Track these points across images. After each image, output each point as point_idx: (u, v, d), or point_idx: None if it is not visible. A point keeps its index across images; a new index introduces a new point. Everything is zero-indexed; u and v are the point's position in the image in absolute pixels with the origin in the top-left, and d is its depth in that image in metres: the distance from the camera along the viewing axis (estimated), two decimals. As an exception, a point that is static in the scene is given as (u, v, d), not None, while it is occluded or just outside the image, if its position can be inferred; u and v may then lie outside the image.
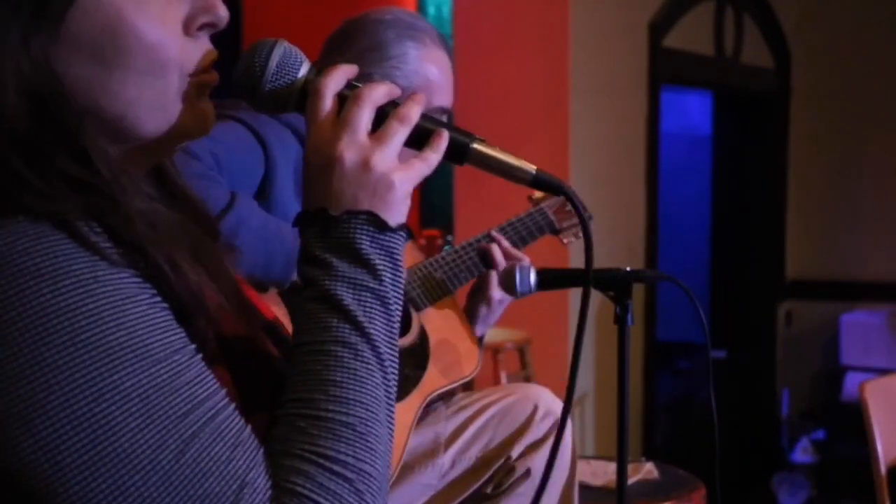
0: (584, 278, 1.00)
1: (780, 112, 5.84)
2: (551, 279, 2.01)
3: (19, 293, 0.75)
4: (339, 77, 0.93)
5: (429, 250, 2.05)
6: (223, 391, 0.82)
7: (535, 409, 2.03)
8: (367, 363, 0.86)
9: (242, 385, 0.86)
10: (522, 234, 2.17)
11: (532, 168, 0.98)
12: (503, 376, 3.62)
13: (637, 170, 4.75)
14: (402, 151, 0.93)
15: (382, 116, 0.93)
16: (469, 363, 2.09)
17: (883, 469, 2.53)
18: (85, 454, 0.75)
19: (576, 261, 4.06)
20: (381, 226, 0.89)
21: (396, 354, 0.90)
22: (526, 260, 2.07)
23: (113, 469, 0.76)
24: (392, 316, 0.89)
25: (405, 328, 1.99)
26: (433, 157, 0.94)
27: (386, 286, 0.89)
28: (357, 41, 1.98)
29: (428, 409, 2.05)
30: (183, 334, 0.82)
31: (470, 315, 2.13)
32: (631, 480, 2.50)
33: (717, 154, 6.05)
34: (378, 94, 0.93)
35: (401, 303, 0.91)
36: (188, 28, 0.89)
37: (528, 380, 3.76)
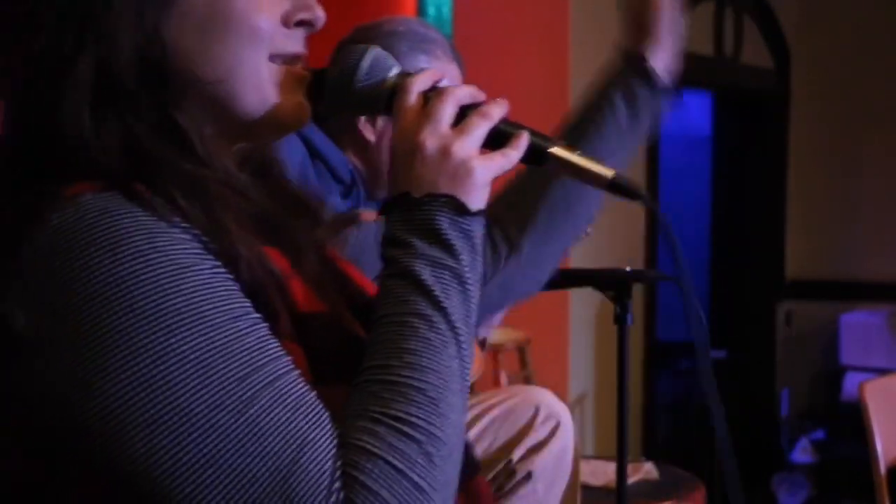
0: (677, 281, 1.04)
1: (780, 112, 5.84)
2: (551, 279, 2.00)
3: (83, 265, 0.81)
4: (426, 78, 0.99)
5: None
6: (287, 359, 0.85)
7: (537, 411, 2.03)
8: (442, 335, 0.89)
9: (317, 358, 0.90)
10: None
11: (610, 173, 1.00)
12: (503, 376, 3.62)
13: (637, 170, 4.75)
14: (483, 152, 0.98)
15: (465, 115, 0.97)
16: (473, 364, 2.08)
17: (882, 469, 2.53)
18: (146, 413, 0.79)
19: (576, 261, 4.06)
20: (460, 209, 0.93)
21: (472, 331, 0.93)
22: None
23: (173, 427, 0.79)
24: (469, 294, 0.92)
25: None
26: (514, 154, 0.98)
27: (464, 266, 0.92)
28: None
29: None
30: (246, 303, 0.85)
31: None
32: (631, 480, 2.50)
33: (716, 155, 6.05)
34: (462, 93, 0.98)
35: (478, 283, 0.94)
36: (287, 21, 0.97)
37: (527, 380, 3.76)
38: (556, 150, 1.00)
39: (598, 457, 3.18)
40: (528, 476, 2.00)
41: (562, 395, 2.18)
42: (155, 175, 0.87)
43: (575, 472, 2.07)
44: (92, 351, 0.80)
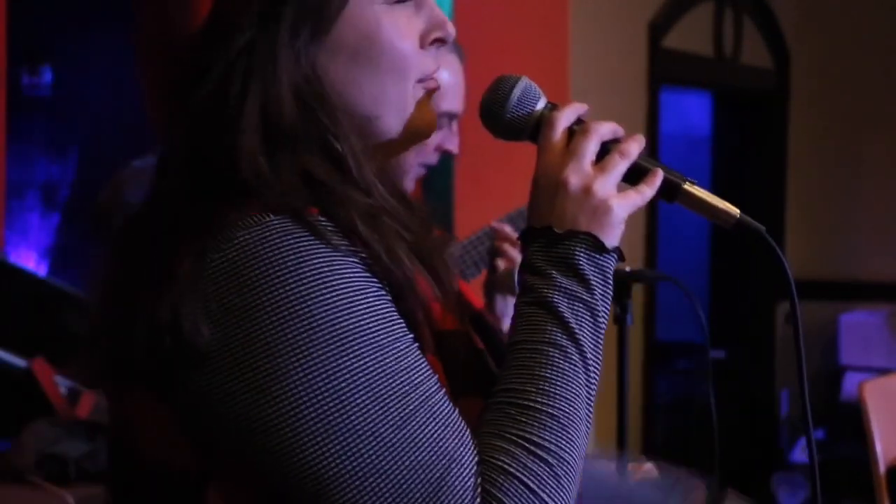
0: (794, 325, 1.10)
1: (779, 112, 5.84)
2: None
3: (268, 282, 0.88)
4: (570, 113, 1.04)
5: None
6: (436, 377, 0.93)
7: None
8: (574, 364, 0.97)
9: (452, 373, 0.98)
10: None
11: (736, 212, 1.06)
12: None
13: (637, 170, 4.75)
14: (619, 185, 1.03)
15: (605, 151, 1.03)
16: None
17: (882, 469, 2.53)
18: (320, 422, 0.87)
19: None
20: (598, 246, 0.99)
21: (600, 361, 1.00)
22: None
23: (342, 436, 0.87)
24: (599, 327, 1.00)
25: None
26: (648, 191, 1.04)
27: (597, 300, 0.99)
28: None
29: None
30: (403, 325, 0.92)
31: (487, 310, 2.12)
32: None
33: (716, 155, 6.05)
34: (604, 130, 1.04)
35: (608, 317, 1.01)
36: (423, 41, 1.03)
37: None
38: (689, 187, 1.05)
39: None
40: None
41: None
42: (330, 203, 0.93)
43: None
44: (272, 363, 0.87)
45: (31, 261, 4.37)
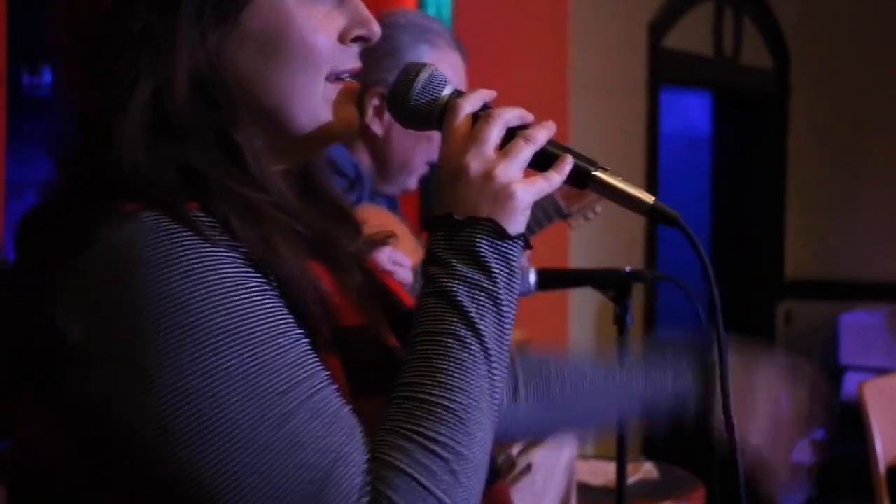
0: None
1: (779, 112, 5.84)
2: (551, 279, 2.01)
3: (138, 281, 0.85)
4: (476, 98, 1.02)
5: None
6: (325, 374, 0.89)
7: (536, 407, 2.04)
8: (474, 355, 0.92)
9: (355, 372, 0.94)
10: (530, 224, 2.15)
11: (650, 198, 1.04)
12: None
13: (636, 170, 4.75)
14: (528, 173, 1.00)
15: (511, 137, 1.00)
16: None
17: (882, 468, 2.54)
18: (194, 424, 0.83)
19: (576, 260, 4.07)
20: (500, 233, 0.96)
21: (506, 352, 0.96)
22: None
23: (217, 439, 0.84)
24: (504, 316, 0.95)
25: None
26: (556, 177, 1.01)
27: (500, 288, 0.95)
28: (372, 46, 1.98)
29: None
30: (289, 319, 0.89)
31: None
32: (630, 480, 2.50)
33: (716, 154, 6.05)
34: (510, 115, 1.01)
35: (514, 306, 0.97)
36: (343, 38, 1.00)
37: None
38: (599, 174, 1.04)
39: (598, 457, 3.18)
40: (528, 468, 2.01)
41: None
42: (210, 197, 0.90)
43: (571, 466, 2.07)
44: (144, 364, 0.84)
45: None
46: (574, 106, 4.24)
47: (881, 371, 4.41)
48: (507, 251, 0.96)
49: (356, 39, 1.02)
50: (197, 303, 0.85)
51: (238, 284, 0.87)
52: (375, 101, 1.97)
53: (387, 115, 1.98)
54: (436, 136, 2.03)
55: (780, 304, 5.90)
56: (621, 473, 1.90)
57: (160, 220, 0.87)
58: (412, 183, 2.08)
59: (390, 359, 0.98)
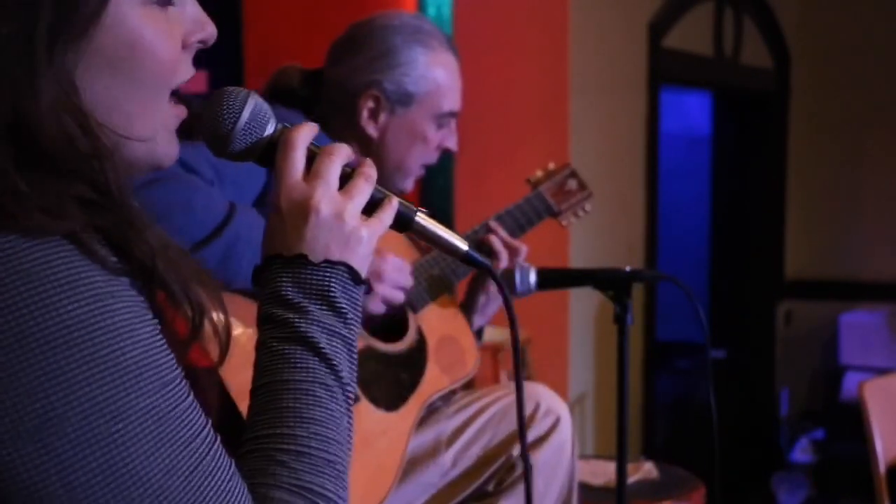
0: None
1: (779, 112, 5.84)
2: (551, 279, 2.01)
3: (40, 303, 0.74)
4: (307, 133, 0.97)
5: (430, 250, 2.05)
6: (208, 419, 0.84)
7: (537, 406, 2.04)
8: (340, 405, 0.91)
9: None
10: (521, 222, 2.16)
11: (464, 245, 1.05)
12: (503, 375, 3.62)
13: (636, 170, 4.75)
14: None
15: (344, 175, 0.97)
16: (470, 358, 2.09)
17: (882, 468, 2.54)
18: (99, 474, 0.75)
19: (575, 260, 4.07)
20: (354, 277, 0.94)
21: (352, 395, 0.94)
22: (524, 249, 2.07)
23: (125, 490, 0.76)
24: (354, 362, 0.94)
25: (400, 332, 1.98)
26: (387, 218, 0.99)
27: (353, 334, 0.94)
28: (365, 48, 1.98)
29: (429, 409, 2.05)
30: (173, 357, 0.82)
31: (468, 306, 2.13)
32: (631, 480, 2.51)
33: (716, 154, 6.06)
34: (344, 152, 0.97)
35: (356, 352, 0.95)
36: (185, 44, 0.92)
37: (527, 379, 3.76)
38: (420, 218, 1.03)
39: (598, 457, 3.18)
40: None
41: (562, 395, 2.19)
42: (85, 223, 0.80)
43: (572, 467, 2.07)
44: (49, 399, 0.74)
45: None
46: (574, 106, 4.24)
47: (881, 371, 4.40)
48: (356, 296, 0.95)
49: (196, 43, 0.93)
50: (105, 332, 0.76)
51: (139, 316, 0.79)
52: (370, 104, 1.97)
53: (382, 118, 1.98)
54: (432, 136, 2.04)
55: (780, 304, 5.90)
56: (621, 473, 1.90)
57: (57, 244, 0.77)
58: (408, 185, 2.08)
59: (231, 406, 0.96)
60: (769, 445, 5.75)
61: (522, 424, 1.11)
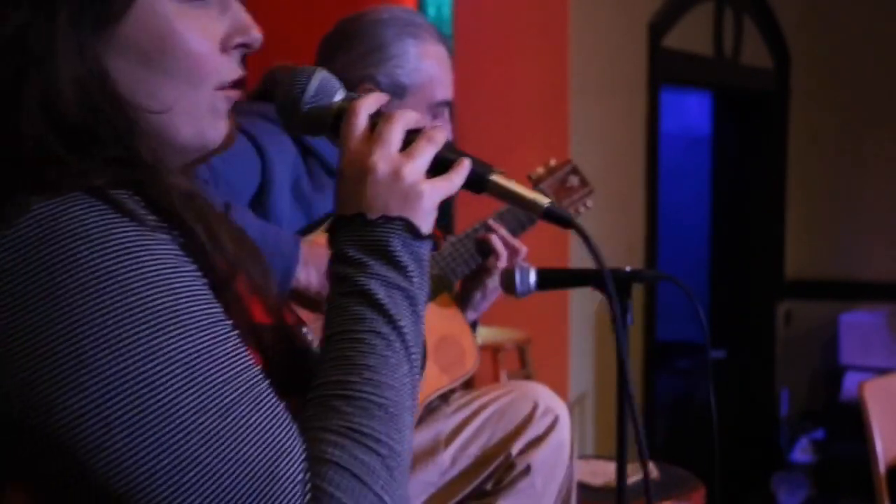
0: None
1: (779, 112, 5.84)
2: (551, 279, 2.01)
3: (71, 256, 0.79)
4: (372, 102, 1.01)
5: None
6: (257, 366, 0.86)
7: (535, 406, 2.04)
8: (397, 353, 0.92)
9: (271, 370, 0.90)
10: (522, 220, 2.16)
11: (546, 201, 1.04)
12: (503, 375, 3.62)
13: (636, 170, 4.75)
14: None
15: (409, 140, 1.00)
16: (470, 358, 2.09)
17: (882, 468, 2.53)
18: (131, 411, 0.79)
19: (576, 261, 4.06)
20: (413, 232, 0.96)
21: (419, 350, 0.95)
22: (523, 250, 2.07)
23: (157, 427, 0.79)
24: (418, 315, 0.95)
25: None
26: (457, 179, 1.01)
27: (415, 287, 0.95)
28: (356, 43, 1.99)
29: (428, 408, 2.05)
30: (220, 308, 0.86)
31: (463, 300, 2.13)
32: (631, 480, 2.51)
33: (716, 154, 6.06)
34: (409, 117, 1.00)
35: (424, 306, 0.97)
36: (224, 46, 0.96)
37: (527, 379, 3.76)
38: (496, 178, 1.04)
39: (598, 457, 3.18)
40: (527, 469, 2.01)
41: (562, 395, 2.19)
42: (147, 180, 0.87)
43: (571, 467, 2.07)
44: (75, 347, 0.79)
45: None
46: (574, 106, 4.24)
47: (881, 371, 4.41)
48: (419, 251, 0.96)
49: (238, 47, 0.97)
50: (136, 282, 0.80)
51: (174, 267, 0.83)
52: None
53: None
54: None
55: (780, 304, 5.90)
56: (621, 473, 1.90)
57: (91, 200, 0.82)
58: None
59: (302, 359, 0.97)
60: (769, 445, 5.75)
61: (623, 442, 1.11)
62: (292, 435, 0.85)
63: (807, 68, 5.83)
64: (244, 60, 0.99)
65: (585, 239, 1.05)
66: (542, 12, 4.14)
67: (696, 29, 5.11)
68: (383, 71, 1.97)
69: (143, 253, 0.81)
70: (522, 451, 2.02)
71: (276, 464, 0.82)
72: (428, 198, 0.97)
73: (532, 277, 1.95)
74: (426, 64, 2.00)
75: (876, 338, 5.45)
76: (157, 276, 0.81)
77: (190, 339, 0.82)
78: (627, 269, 1.89)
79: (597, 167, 4.44)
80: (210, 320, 0.84)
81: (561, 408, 2.07)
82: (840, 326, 5.56)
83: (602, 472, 2.77)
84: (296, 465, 0.84)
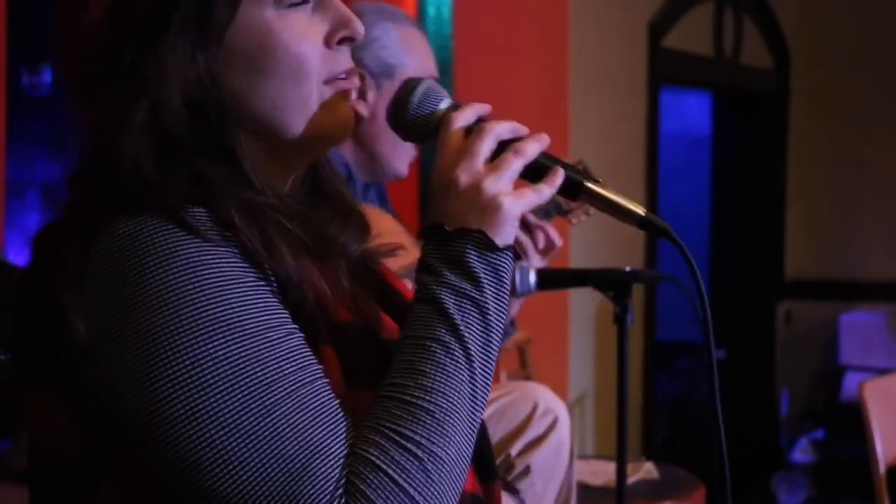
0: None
1: (779, 112, 5.84)
2: (551, 279, 2.01)
3: (140, 271, 0.90)
4: (470, 112, 1.05)
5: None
6: (316, 367, 0.93)
7: (535, 406, 2.04)
8: (456, 361, 0.95)
9: (349, 364, 0.98)
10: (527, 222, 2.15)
11: (642, 210, 1.05)
12: (503, 376, 3.62)
13: (636, 170, 4.75)
14: (519, 184, 1.02)
15: (501, 151, 1.02)
16: None
17: (882, 468, 2.54)
18: (181, 409, 0.88)
19: (576, 261, 4.06)
20: (488, 244, 0.99)
21: (489, 359, 0.98)
22: (552, 231, 2.03)
23: (201, 424, 0.88)
24: (490, 325, 0.98)
25: None
26: (546, 189, 1.03)
27: (487, 298, 0.98)
28: None
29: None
30: (283, 315, 0.93)
31: None
32: (631, 480, 2.50)
33: (716, 154, 6.06)
34: (501, 129, 1.03)
35: (502, 316, 1.00)
36: (329, 42, 1.03)
37: (527, 379, 3.76)
38: (592, 185, 1.05)
39: (598, 457, 3.18)
40: (527, 470, 2.01)
41: (562, 395, 2.19)
42: (213, 200, 0.94)
43: (571, 467, 2.07)
44: (141, 352, 0.89)
45: (31, 261, 4.36)
46: (574, 106, 4.24)
47: (881, 371, 4.41)
48: (497, 262, 0.99)
49: (342, 41, 1.04)
50: (193, 294, 0.90)
51: (232, 279, 0.92)
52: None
53: (370, 96, 2.01)
54: None
55: (780, 304, 5.90)
56: (621, 473, 1.90)
57: (162, 219, 0.92)
58: (402, 168, 2.08)
59: (384, 353, 1.00)
60: (769, 445, 5.75)
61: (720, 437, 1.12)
62: (335, 434, 0.91)
63: (807, 68, 5.83)
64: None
65: (681, 249, 1.07)
66: (542, 12, 4.14)
67: (696, 29, 5.11)
68: (368, 54, 2.00)
69: (201, 268, 0.91)
70: (522, 452, 2.02)
71: (310, 461, 0.89)
72: (507, 210, 0.99)
73: (532, 277, 1.95)
74: (408, 43, 2.03)
75: (876, 338, 5.45)
76: (214, 287, 0.90)
77: (238, 345, 0.90)
78: (627, 269, 1.89)
79: (597, 167, 4.43)
80: (262, 326, 0.91)
81: (560, 408, 2.07)
82: (840, 326, 5.56)
83: (602, 472, 2.77)
84: (332, 463, 0.89)
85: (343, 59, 1.04)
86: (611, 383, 1.97)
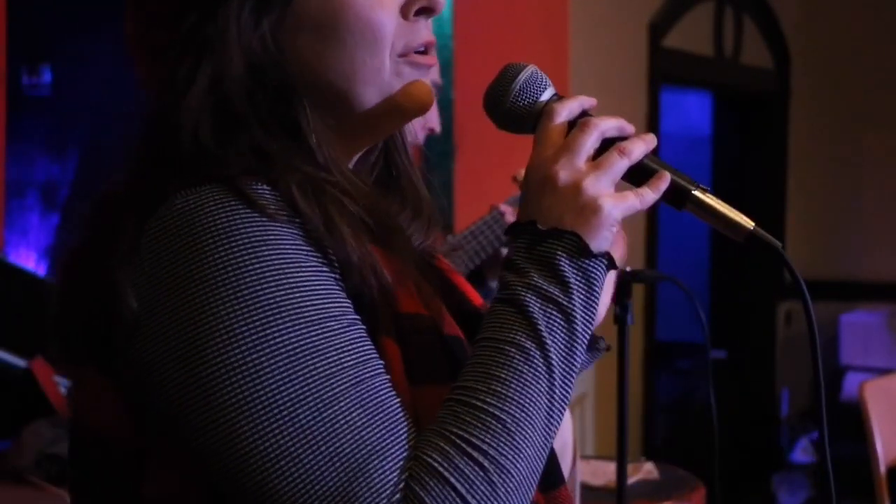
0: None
1: (779, 112, 5.84)
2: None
3: (198, 249, 0.84)
4: (574, 105, 0.98)
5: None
6: (377, 362, 0.87)
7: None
8: (536, 369, 0.88)
9: (413, 358, 0.91)
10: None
11: (751, 224, 0.98)
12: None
13: (637, 170, 4.75)
14: (621, 185, 0.96)
15: (607, 148, 0.95)
16: None
17: (882, 469, 2.54)
18: (233, 397, 0.82)
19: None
20: (582, 248, 0.91)
21: (571, 372, 0.91)
22: None
23: (255, 414, 0.82)
24: (575, 333, 0.90)
25: None
26: (649, 195, 0.96)
27: (575, 305, 0.90)
28: None
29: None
30: (344, 303, 0.87)
31: (483, 287, 2.12)
32: (631, 480, 2.50)
33: (716, 154, 6.06)
34: (607, 125, 0.97)
35: (589, 328, 0.92)
36: (405, 12, 0.96)
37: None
38: (699, 195, 0.98)
39: (598, 457, 3.18)
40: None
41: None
42: (275, 174, 0.88)
43: (574, 469, 2.07)
44: (194, 333, 0.83)
45: (31, 261, 4.37)
46: (574, 106, 4.23)
47: (881, 371, 4.41)
48: (589, 268, 0.91)
49: (420, 12, 0.97)
50: (252, 275, 0.84)
51: (294, 262, 0.85)
52: None
53: None
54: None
55: (780, 304, 5.90)
56: (621, 473, 1.90)
57: (223, 193, 0.86)
58: (417, 137, 2.08)
59: (448, 348, 0.95)
60: (769, 445, 5.75)
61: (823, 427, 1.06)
62: (395, 434, 0.85)
63: (807, 68, 5.83)
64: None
65: (789, 268, 0.99)
66: (542, 12, 4.14)
67: (696, 29, 5.11)
68: None
69: (262, 248, 0.84)
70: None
71: (366, 461, 0.82)
72: (607, 213, 0.92)
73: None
74: None
75: (876, 338, 5.45)
76: (275, 270, 0.84)
77: (297, 333, 0.84)
78: (627, 269, 1.89)
79: (597, 167, 4.44)
80: (324, 315, 0.85)
81: (561, 409, 2.07)
82: (840, 326, 5.56)
83: (602, 473, 2.76)
84: (390, 465, 0.83)
85: (422, 32, 0.97)
86: (611, 383, 1.97)
